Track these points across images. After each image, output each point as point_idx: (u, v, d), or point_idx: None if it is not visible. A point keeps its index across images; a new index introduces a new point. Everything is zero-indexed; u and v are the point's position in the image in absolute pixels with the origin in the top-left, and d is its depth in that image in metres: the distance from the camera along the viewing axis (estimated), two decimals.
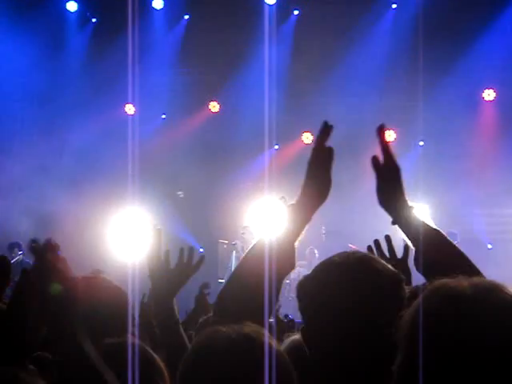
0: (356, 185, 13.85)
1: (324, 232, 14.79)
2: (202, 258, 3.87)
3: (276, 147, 16.38)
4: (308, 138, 16.20)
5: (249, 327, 2.14)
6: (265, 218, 15.23)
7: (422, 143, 15.83)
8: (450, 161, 15.19)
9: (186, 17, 16.84)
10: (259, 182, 16.10)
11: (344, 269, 2.30)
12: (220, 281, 13.86)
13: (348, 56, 15.67)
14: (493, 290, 1.71)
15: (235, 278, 2.60)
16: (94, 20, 16.95)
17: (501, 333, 1.66)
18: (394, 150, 2.58)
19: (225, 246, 15.13)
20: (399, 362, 1.76)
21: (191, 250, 4.01)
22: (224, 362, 2.07)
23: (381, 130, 2.58)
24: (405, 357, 1.75)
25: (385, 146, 2.58)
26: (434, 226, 2.63)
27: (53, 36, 16.49)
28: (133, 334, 3.41)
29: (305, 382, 2.24)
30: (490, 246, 15.54)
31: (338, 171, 2.65)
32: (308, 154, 2.60)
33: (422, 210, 14.82)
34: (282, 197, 2.62)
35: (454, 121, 15.30)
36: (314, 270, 2.37)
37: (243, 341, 2.10)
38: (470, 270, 2.48)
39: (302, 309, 2.35)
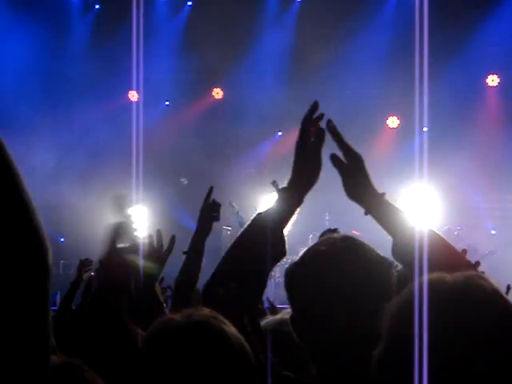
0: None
1: (328, 218, 14.81)
2: (172, 239, 3.91)
3: (279, 134, 16.38)
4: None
5: (201, 313, 2.15)
6: (265, 202, 15.30)
7: (425, 129, 15.79)
8: (454, 146, 15.17)
9: (190, 3, 16.82)
10: (263, 169, 16.10)
11: (331, 256, 2.29)
12: None
13: (351, 42, 15.64)
14: (473, 282, 1.71)
15: (227, 259, 2.57)
16: (97, 6, 16.92)
17: (482, 326, 1.65)
18: (347, 142, 2.54)
19: (228, 233, 15.13)
20: (380, 350, 1.76)
21: (158, 234, 4.05)
22: (174, 350, 2.08)
23: (330, 126, 2.54)
24: (386, 348, 1.75)
25: (339, 140, 2.54)
26: (410, 214, 2.54)
27: (56, 23, 16.47)
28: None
29: (292, 367, 2.25)
30: (493, 232, 15.55)
31: (341, 157, 2.62)
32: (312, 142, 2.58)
33: (430, 192, 14.84)
34: (274, 181, 2.61)
35: (458, 107, 15.29)
36: (300, 258, 2.36)
37: (192, 328, 2.11)
38: (449, 255, 2.44)
39: (291, 297, 2.35)
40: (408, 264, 2.30)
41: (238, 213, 15.00)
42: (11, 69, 16.08)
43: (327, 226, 14.50)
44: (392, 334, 1.74)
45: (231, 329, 2.15)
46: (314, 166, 2.54)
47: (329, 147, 2.56)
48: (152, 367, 2.10)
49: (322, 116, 2.56)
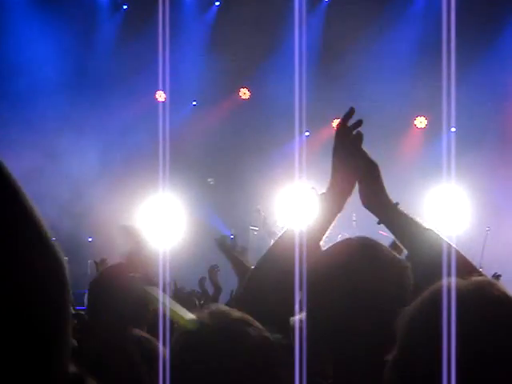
0: (387, 169, 13.81)
1: (355, 219, 14.74)
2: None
3: (307, 134, 16.34)
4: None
5: (234, 316, 2.12)
6: (294, 206, 15.26)
7: (453, 129, 15.68)
8: (483, 146, 15.06)
9: (217, 3, 16.84)
10: (290, 169, 16.07)
11: (346, 255, 2.29)
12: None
13: (379, 42, 15.59)
14: (488, 288, 1.70)
15: (263, 265, 2.57)
16: (124, 7, 17.00)
17: (497, 332, 1.66)
18: (364, 150, 2.52)
19: (255, 233, 15.12)
20: (395, 356, 1.76)
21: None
22: (198, 354, 2.05)
23: (357, 134, 2.52)
24: (401, 353, 1.74)
25: (358, 149, 2.52)
26: (425, 224, 2.52)
27: (84, 23, 16.55)
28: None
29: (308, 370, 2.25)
30: None
31: (374, 158, 2.61)
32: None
33: (458, 192, 14.74)
34: (312, 187, 2.58)
35: (487, 107, 15.18)
36: (315, 260, 2.35)
37: (224, 332, 2.07)
38: (464, 268, 2.42)
39: (306, 298, 2.34)
40: (422, 275, 2.28)
41: (264, 220, 14.94)
42: (39, 68, 16.16)
43: (354, 226, 14.47)
44: (409, 339, 1.73)
45: (260, 334, 2.13)
46: (352, 173, 2.52)
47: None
48: (177, 370, 2.07)
49: (360, 123, 2.54)
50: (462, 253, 2.48)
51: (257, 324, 2.12)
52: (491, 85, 15.33)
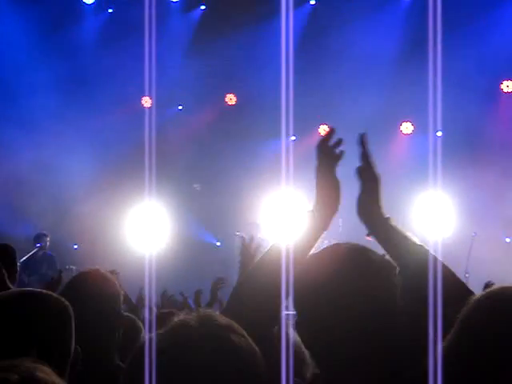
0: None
1: (341, 225, 14.75)
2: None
3: (293, 138, 16.34)
4: (325, 130, 16.17)
5: (221, 322, 2.08)
6: (281, 215, 15.24)
7: (439, 134, 15.70)
8: (469, 151, 15.09)
9: (203, 7, 16.82)
10: (277, 174, 16.07)
11: (334, 259, 2.30)
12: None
13: (363, 47, 15.62)
14: None
15: (249, 280, 2.57)
16: (110, 10, 16.92)
17: None
18: (372, 160, 2.55)
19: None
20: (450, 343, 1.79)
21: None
22: (183, 360, 2.00)
23: (362, 140, 2.56)
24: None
25: (365, 156, 2.55)
26: (416, 240, 2.56)
27: (68, 26, 16.49)
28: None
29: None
30: (508, 240, 15.37)
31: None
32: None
33: (444, 200, 14.76)
34: (299, 206, 2.62)
35: (473, 112, 15.20)
36: (305, 263, 2.37)
37: (209, 337, 2.03)
38: (453, 285, 2.44)
39: (296, 303, 2.35)
40: (411, 289, 2.32)
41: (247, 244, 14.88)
42: (22, 73, 16.09)
43: (340, 232, 14.47)
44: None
45: (244, 341, 2.10)
46: (336, 189, 2.56)
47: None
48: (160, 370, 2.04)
49: (340, 142, 2.58)
50: (450, 267, 2.51)
51: (243, 332, 2.11)
52: (476, 87, 15.35)
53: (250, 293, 2.50)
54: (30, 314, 2.50)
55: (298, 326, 2.33)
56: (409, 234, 2.56)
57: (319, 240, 2.56)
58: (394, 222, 2.55)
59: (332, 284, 2.25)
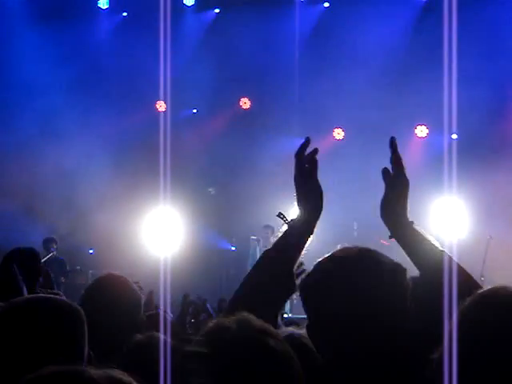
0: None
1: (356, 228, 14.73)
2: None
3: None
4: (339, 133, 16.18)
5: (258, 325, 2.12)
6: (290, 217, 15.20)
7: (455, 136, 15.65)
8: (485, 154, 15.02)
9: (217, 10, 16.84)
10: (290, 178, 16.05)
11: (344, 262, 2.33)
12: None
13: (379, 50, 15.59)
14: None
15: (245, 287, 2.62)
16: (124, 14, 16.95)
17: None
18: (403, 165, 2.57)
19: (256, 243, 15.08)
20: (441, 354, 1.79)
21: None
22: (222, 362, 2.04)
23: (392, 144, 2.58)
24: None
25: (397, 160, 2.57)
26: (438, 245, 2.58)
27: (82, 32, 16.53)
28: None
29: (311, 377, 2.25)
30: None
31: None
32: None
33: (457, 205, 14.70)
34: (280, 213, 2.67)
35: (488, 115, 15.15)
36: (315, 266, 2.39)
37: (248, 341, 2.07)
38: (470, 284, 2.44)
39: (306, 305, 2.36)
40: (431, 294, 2.34)
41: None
42: (39, 77, 16.15)
43: (355, 236, 14.45)
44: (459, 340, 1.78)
45: (281, 344, 2.12)
46: (315, 194, 2.62)
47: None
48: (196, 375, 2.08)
49: (316, 151, 2.66)
50: (472, 275, 2.52)
51: (280, 336, 2.12)
52: (494, 92, 15.30)
53: (247, 295, 2.55)
54: (43, 321, 2.52)
55: (309, 329, 2.33)
56: (431, 238, 2.57)
57: (305, 245, 2.61)
58: (417, 227, 2.57)
59: (342, 286, 2.26)
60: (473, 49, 14.33)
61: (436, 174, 14.62)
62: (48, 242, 14.02)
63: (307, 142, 2.68)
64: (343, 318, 2.23)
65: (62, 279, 13.13)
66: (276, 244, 2.63)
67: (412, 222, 2.58)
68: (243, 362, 2.01)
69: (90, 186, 15.52)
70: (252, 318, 2.13)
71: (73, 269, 14.21)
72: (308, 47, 15.70)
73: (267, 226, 14.76)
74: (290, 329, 3.20)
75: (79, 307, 2.65)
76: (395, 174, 2.57)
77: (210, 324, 2.13)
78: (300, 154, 2.65)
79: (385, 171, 2.57)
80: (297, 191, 2.63)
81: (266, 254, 2.61)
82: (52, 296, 2.74)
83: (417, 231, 2.55)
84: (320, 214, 2.61)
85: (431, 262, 2.46)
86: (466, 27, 13.86)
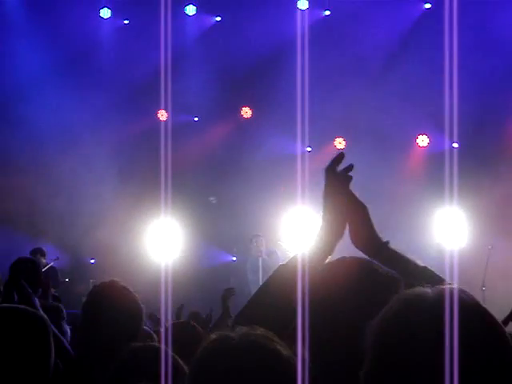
0: (388, 190, 13.79)
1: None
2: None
3: (309, 149, 16.32)
4: (341, 143, 16.18)
5: (257, 333, 2.11)
6: (297, 229, 15.21)
7: (456, 145, 15.64)
8: (486, 164, 15.00)
9: (218, 18, 16.84)
10: (292, 187, 16.07)
11: (339, 273, 2.32)
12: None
13: (378, 59, 15.62)
14: (455, 294, 1.72)
15: (262, 295, 2.58)
16: (126, 22, 16.94)
17: (466, 334, 1.65)
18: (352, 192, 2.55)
19: (258, 253, 15.04)
20: (368, 369, 1.76)
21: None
22: (228, 366, 2.03)
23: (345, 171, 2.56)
24: (372, 363, 1.73)
25: (345, 189, 2.55)
26: (418, 262, 2.56)
27: (85, 38, 16.52)
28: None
29: None
30: None
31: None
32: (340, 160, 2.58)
33: (457, 216, 14.69)
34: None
35: (490, 124, 15.16)
36: (310, 277, 2.38)
37: (248, 348, 2.06)
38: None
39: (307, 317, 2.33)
40: None
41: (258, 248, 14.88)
42: (38, 84, 16.13)
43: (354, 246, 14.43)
44: (380, 350, 1.72)
45: (287, 351, 2.12)
46: (343, 212, 2.54)
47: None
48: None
49: (351, 168, 2.59)
50: (465, 281, 2.49)
51: (282, 343, 2.12)
52: (495, 100, 15.31)
53: (261, 309, 2.51)
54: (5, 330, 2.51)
55: (312, 339, 2.32)
56: (410, 256, 2.56)
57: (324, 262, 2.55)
58: (392, 246, 2.54)
59: (337, 297, 2.26)
60: (472, 56, 14.36)
61: (437, 184, 14.65)
62: (36, 253, 13.99)
63: (341, 156, 2.61)
64: (337, 329, 2.22)
65: (53, 291, 13.09)
66: (292, 260, 2.56)
67: (387, 242, 2.55)
68: (245, 369, 2.00)
69: (90, 197, 15.50)
70: (254, 327, 2.12)
71: (63, 280, 14.16)
72: (309, 56, 15.69)
73: (256, 236, 14.80)
74: None
75: (44, 316, 2.64)
76: (350, 202, 2.54)
77: (212, 335, 2.13)
78: (331, 169, 2.58)
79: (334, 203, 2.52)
80: (323, 208, 2.55)
81: (281, 270, 2.56)
82: (16, 306, 2.74)
83: (392, 250, 2.53)
84: (343, 233, 2.56)
85: (414, 279, 2.44)
86: (466, 33, 13.94)
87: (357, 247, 2.55)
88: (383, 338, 1.73)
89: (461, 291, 1.74)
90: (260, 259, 14.47)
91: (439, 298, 1.71)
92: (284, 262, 2.61)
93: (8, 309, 2.64)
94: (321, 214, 2.56)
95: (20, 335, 2.49)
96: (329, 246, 2.55)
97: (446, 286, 1.78)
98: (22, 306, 2.70)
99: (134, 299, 3.96)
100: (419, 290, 1.78)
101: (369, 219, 2.55)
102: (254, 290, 14.11)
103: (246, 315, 2.52)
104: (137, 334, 3.82)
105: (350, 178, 2.56)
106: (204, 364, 2.07)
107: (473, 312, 1.70)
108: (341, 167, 2.61)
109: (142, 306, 4.00)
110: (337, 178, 2.56)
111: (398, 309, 1.74)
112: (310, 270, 2.47)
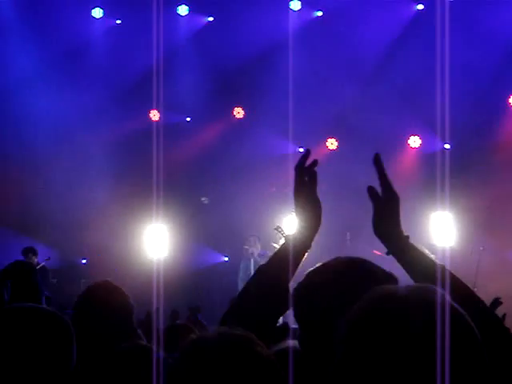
0: (379, 190, 13.79)
1: (349, 238, 14.72)
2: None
3: (301, 150, 16.32)
4: (332, 143, 16.18)
5: (235, 333, 2.11)
6: (290, 230, 15.20)
7: (447, 146, 15.66)
8: (477, 165, 15.04)
9: (210, 19, 16.81)
10: (283, 187, 16.09)
11: (336, 272, 2.32)
12: None
13: (372, 59, 15.63)
14: (426, 292, 1.71)
15: (239, 302, 2.59)
16: (118, 22, 16.88)
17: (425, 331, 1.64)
18: (390, 180, 2.54)
19: (250, 254, 15.03)
20: (338, 365, 1.75)
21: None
22: (205, 369, 2.03)
23: (377, 160, 2.54)
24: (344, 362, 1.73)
25: (383, 176, 2.53)
26: (434, 259, 2.53)
27: (77, 38, 16.47)
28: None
29: None
30: None
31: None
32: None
33: (448, 217, 14.71)
34: (278, 226, 2.67)
35: (480, 125, 15.19)
36: (306, 276, 2.39)
37: (225, 347, 2.06)
38: (476, 304, 2.41)
39: (298, 315, 2.36)
40: None
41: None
42: (30, 84, 16.08)
43: (348, 246, 14.44)
44: (347, 348, 1.72)
45: (265, 350, 2.11)
46: (314, 208, 2.58)
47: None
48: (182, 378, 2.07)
49: (316, 162, 2.61)
50: (473, 289, 2.50)
51: (262, 343, 2.11)
52: (485, 104, 15.34)
53: (241, 310, 2.52)
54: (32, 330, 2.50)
55: (301, 339, 2.33)
56: (427, 252, 2.55)
57: (302, 260, 2.57)
58: (412, 241, 2.54)
59: (333, 296, 2.25)
60: (465, 57, 14.40)
61: (429, 185, 14.67)
62: (27, 252, 13.98)
63: (307, 153, 2.63)
64: (333, 328, 2.22)
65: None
66: (272, 258, 2.58)
67: (407, 237, 2.56)
68: (224, 368, 2.00)
69: (81, 197, 15.48)
70: (233, 328, 2.13)
71: (53, 282, 14.15)
72: (302, 57, 15.70)
73: (253, 236, 14.78)
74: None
75: (69, 321, 2.64)
76: (384, 191, 2.54)
77: (191, 336, 2.13)
78: (300, 166, 2.61)
79: (370, 189, 2.53)
80: (296, 204, 2.59)
81: (261, 269, 2.57)
82: (41, 306, 2.73)
83: (412, 245, 2.52)
84: (318, 228, 2.57)
85: (429, 276, 2.43)
86: (458, 35, 13.97)
87: (378, 236, 2.52)
88: (350, 335, 1.72)
89: (431, 291, 1.73)
90: (252, 260, 14.46)
91: (407, 298, 1.70)
92: (264, 262, 2.64)
93: (34, 310, 2.62)
94: (294, 210, 2.59)
95: (44, 337, 2.49)
96: (305, 241, 2.56)
97: (419, 285, 1.79)
98: (47, 308, 2.69)
99: (126, 299, 3.96)
100: (388, 288, 1.76)
101: (398, 210, 2.53)
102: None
103: (232, 316, 2.52)
104: (127, 333, 3.82)
105: (315, 173, 2.59)
106: (181, 366, 2.07)
107: (439, 311, 1.67)
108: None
109: (133, 304, 4.00)
110: (305, 175, 2.59)
111: (365, 307, 1.74)
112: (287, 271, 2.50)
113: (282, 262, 2.53)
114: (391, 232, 2.51)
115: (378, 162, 2.51)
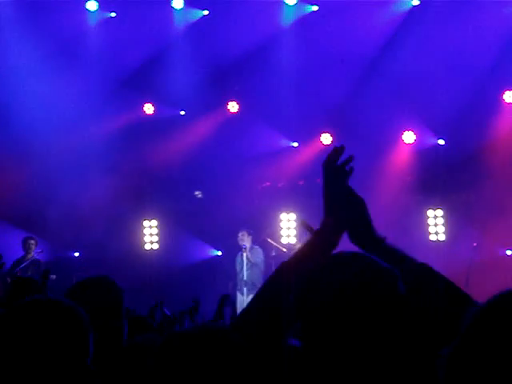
0: (376, 187, 13.82)
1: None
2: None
3: (295, 144, 16.32)
4: (327, 138, 16.16)
5: (213, 326, 2.14)
6: (285, 225, 15.23)
7: (442, 142, 15.67)
8: (470, 161, 15.04)
9: (206, 12, 16.77)
10: (278, 182, 16.09)
11: (337, 267, 2.32)
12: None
13: (367, 54, 15.63)
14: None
15: (255, 302, 2.56)
16: (113, 15, 16.81)
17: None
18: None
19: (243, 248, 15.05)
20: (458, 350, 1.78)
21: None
22: (181, 359, 2.07)
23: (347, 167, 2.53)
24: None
25: (344, 183, 2.52)
26: (416, 259, 2.56)
27: (70, 31, 16.41)
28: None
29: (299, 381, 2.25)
30: (509, 253, 15.15)
31: (357, 172, 2.61)
32: (325, 155, 2.57)
33: (442, 212, 14.74)
34: (303, 221, 2.56)
35: (474, 121, 15.19)
36: (309, 271, 2.38)
37: (199, 337, 2.10)
38: (457, 297, 2.42)
39: (300, 310, 2.36)
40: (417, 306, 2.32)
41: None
42: (26, 81, 16.04)
43: (346, 241, 14.45)
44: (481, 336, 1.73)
45: (240, 342, 2.13)
46: (356, 206, 2.54)
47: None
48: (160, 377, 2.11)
49: (351, 158, 2.57)
50: (456, 282, 2.50)
51: (237, 335, 2.13)
52: (479, 100, 15.34)
53: (259, 310, 2.48)
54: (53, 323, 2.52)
55: (303, 334, 2.33)
56: (406, 252, 2.55)
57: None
58: (389, 242, 2.53)
59: (335, 291, 2.26)
60: (459, 53, 14.41)
61: (423, 181, 14.68)
62: (28, 239, 14.03)
63: (341, 149, 2.57)
64: (336, 323, 2.23)
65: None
66: (297, 256, 2.52)
67: (385, 239, 2.55)
68: (200, 359, 2.04)
69: (75, 189, 15.46)
70: (210, 323, 2.18)
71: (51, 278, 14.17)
72: (296, 51, 15.69)
73: (245, 232, 14.81)
74: None
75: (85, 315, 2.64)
76: (349, 197, 2.51)
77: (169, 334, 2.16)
78: (330, 163, 2.55)
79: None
80: (326, 202, 2.52)
81: (284, 266, 2.50)
82: (60, 299, 2.72)
83: (391, 248, 2.52)
84: (343, 230, 2.53)
85: (413, 276, 2.43)
86: (453, 31, 13.98)
87: (353, 243, 2.54)
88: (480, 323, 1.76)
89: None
90: (245, 254, 14.50)
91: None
92: (274, 270, 2.56)
93: (54, 302, 2.62)
94: (325, 208, 2.53)
95: (63, 330, 2.50)
96: (331, 243, 2.52)
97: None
98: (67, 300, 2.68)
99: (115, 294, 3.94)
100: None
101: (367, 214, 2.53)
102: (238, 283, 14.19)
103: (243, 320, 2.51)
104: (117, 327, 3.82)
105: (347, 171, 2.54)
106: (161, 361, 2.10)
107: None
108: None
109: (123, 296, 3.98)
110: (334, 173, 2.53)
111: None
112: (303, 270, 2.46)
113: (306, 260, 2.48)
114: (365, 237, 2.51)
115: (348, 170, 2.51)
